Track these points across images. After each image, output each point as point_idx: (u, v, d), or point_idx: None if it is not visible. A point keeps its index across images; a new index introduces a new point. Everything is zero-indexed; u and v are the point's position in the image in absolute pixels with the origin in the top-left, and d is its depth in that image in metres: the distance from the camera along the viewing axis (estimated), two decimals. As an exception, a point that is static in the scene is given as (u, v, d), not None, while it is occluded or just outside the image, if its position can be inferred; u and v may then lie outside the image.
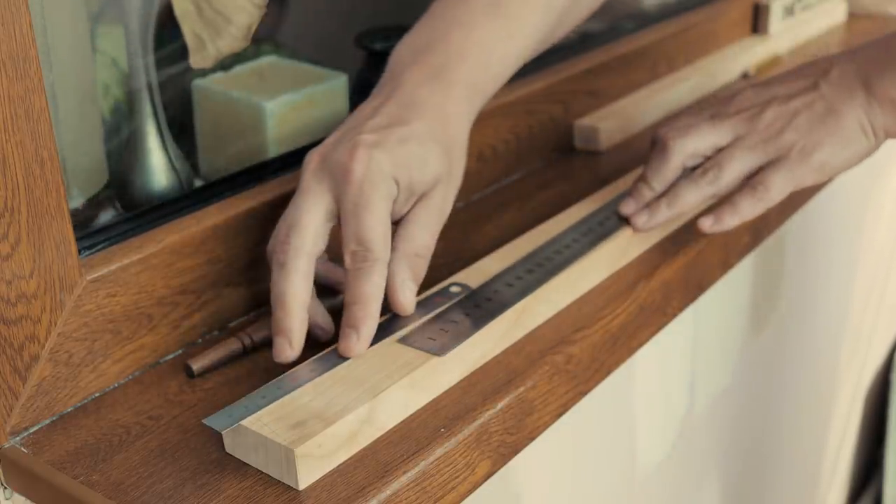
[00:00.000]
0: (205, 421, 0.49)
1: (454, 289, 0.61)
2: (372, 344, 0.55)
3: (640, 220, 0.66)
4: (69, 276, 0.53)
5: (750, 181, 0.64)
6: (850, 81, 0.64)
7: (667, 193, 0.66)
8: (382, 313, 0.60)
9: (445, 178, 0.57)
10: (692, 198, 0.65)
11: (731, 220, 0.64)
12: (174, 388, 0.57)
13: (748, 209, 0.64)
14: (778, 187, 0.63)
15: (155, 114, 0.69)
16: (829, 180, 0.67)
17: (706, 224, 0.65)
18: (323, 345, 0.57)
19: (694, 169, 0.67)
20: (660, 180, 0.67)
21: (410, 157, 0.55)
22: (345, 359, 0.54)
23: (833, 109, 0.64)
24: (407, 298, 0.56)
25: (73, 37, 0.64)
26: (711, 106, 0.68)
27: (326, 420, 0.49)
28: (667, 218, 0.66)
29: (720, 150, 0.66)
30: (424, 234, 0.56)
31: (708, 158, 0.66)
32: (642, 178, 0.68)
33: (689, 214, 0.72)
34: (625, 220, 0.68)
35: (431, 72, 0.59)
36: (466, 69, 0.59)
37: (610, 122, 0.87)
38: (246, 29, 0.68)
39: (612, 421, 0.95)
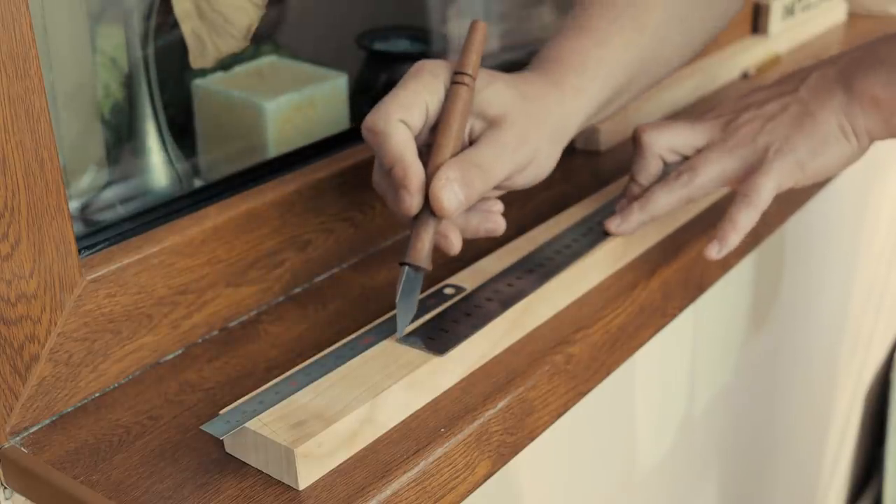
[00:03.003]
0: (203, 427, 0.49)
1: (448, 290, 0.61)
2: (372, 344, 0.55)
3: (613, 223, 0.66)
4: (69, 276, 0.53)
5: (739, 190, 0.63)
6: (830, 84, 0.64)
7: (640, 197, 0.66)
8: (382, 313, 0.60)
9: (517, 120, 0.57)
10: (665, 201, 0.65)
11: (734, 236, 0.63)
12: (174, 388, 0.57)
13: (745, 219, 0.63)
14: (766, 188, 0.63)
15: (155, 114, 0.69)
16: (816, 183, 0.67)
17: (713, 252, 0.63)
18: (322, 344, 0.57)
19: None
20: (644, 175, 0.67)
21: (486, 88, 0.57)
22: (343, 360, 0.54)
23: (809, 111, 0.64)
24: (446, 197, 0.53)
25: (73, 37, 0.64)
26: (695, 115, 0.68)
27: (326, 420, 0.49)
28: (640, 221, 0.66)
29: (697, 153, 0.66)
30: (484, 149, 0.55)
31: (686, 159, 0.66)
32: (630, 176, 0.68)
33: (694, 211, 0.72)
34: None
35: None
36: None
37: (610, 122, 0.87)
38: (246, 29, 0.68)
39: (612, 421, 0.95)
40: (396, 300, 0.55)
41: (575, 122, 0.61)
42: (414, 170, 0.53)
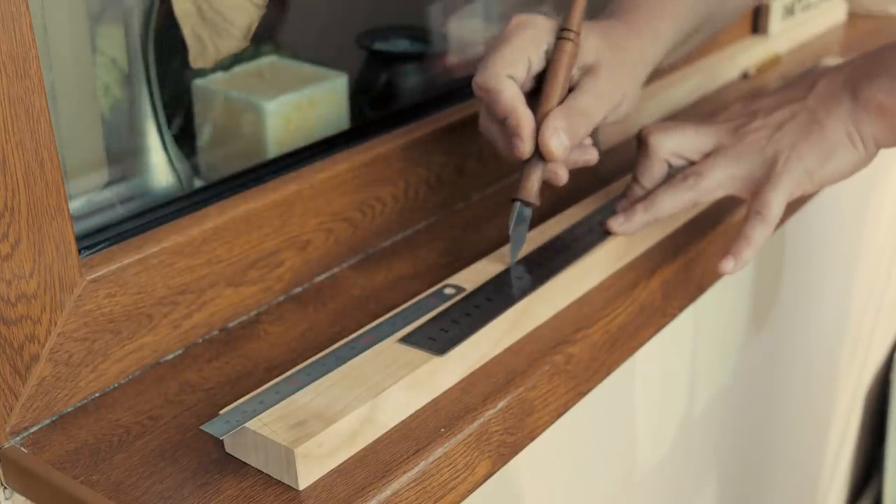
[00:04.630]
0: (203, 427, 0.49)
1: (448, 290, 0.61)
2: (372, 344, 0.55)
3: (616, 222, 0.66)
4: (69, 276, 0.53)
5: (752, 206, 0.63)
6: (837, 91, 0.64)
7: (645, 198, 0.66)
8: (382, 313, 0.60)
9: (609, 67, 0.63)
10: (670, 203, 0.65)
11: (748, 251, 0.63)
12: (174, 388, 0.57)
13: (759, 234, 0.63)
14: (777, 203, 0.63)
15: (155, 114, 0.69)
16: (821, 189, 0.67)
17: (728, 267, 0.63)
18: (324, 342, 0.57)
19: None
20: (648, 178, 0.67)
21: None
22: (343, 360, 0.54)
23: (817, 119, 0.64)
24: (553, 143, 0.60)
25: (73, 37, 0.64)
26: (700, 118, 0.69)
27: (327, 419, 0.49)
28: (644, 222, 0.66)
29: (704, 157, 0.66)
30: (585, 97, 0.62)
31: (693, 164, 0.66)
32: (633, 177, 0.68)
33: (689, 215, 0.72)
34: None
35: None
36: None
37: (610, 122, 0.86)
38: (246, 29, 0.68)
39: (612, 421, 0.95)
40: (510, 232, 0.62)
41: (652, 64, 0.67)
42: (525, 120, 0.60)
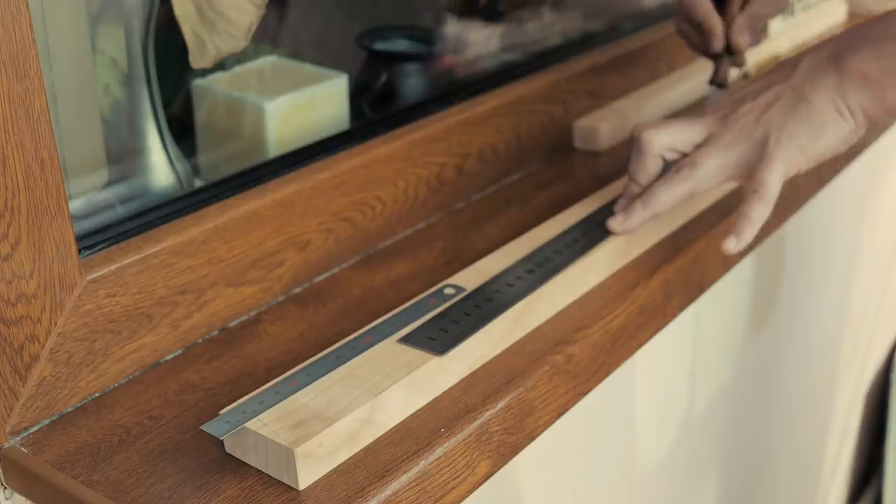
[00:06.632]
0: (203, 427, 0.49)
1: (448, 290, 0.61)
2: (372, 344, 0.55)
3: (616, 221, 0.67)
4: (69, 276, 0.53)
5: (748, 186, 0.64)
6: (822, 66, 0.65)
7: (642, 194, 0.66)
8: (382, 313, 0.60)
9: None
10: (667, 197, 0.65)
11: (749, 230, 0.64)
12: (174, 388, 0.57)
13: (758, 213, 0.63)
14: (773, 181, 0.63)
15: (155, 114, 0.69)
16: (817, 182, 0.68)
17: (731, 246, 0.64)
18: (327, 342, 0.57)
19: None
20: (643, 174, 0.67)
21: None
22: (343, 360, 0.54)
23: (803, 96, 0.64)
24: (741, 40, 0.79)
25: (73, 37, 0.64)
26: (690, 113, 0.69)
27: (327, 420, 0.49)
28: (643, 218, 0.66)
29: (696, 149, 0.66)
30: (757, 4, 0.80)
31: (686, 156, 0.66)
32: (629, 176, 0.68)
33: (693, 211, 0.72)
34: None
35: None
36: None
37: (610, 122, 0.87)
38: (246, 29, 0.68)
39: (612, 421, 0.95)
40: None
41: None
42: (717, 23, 0.79)
